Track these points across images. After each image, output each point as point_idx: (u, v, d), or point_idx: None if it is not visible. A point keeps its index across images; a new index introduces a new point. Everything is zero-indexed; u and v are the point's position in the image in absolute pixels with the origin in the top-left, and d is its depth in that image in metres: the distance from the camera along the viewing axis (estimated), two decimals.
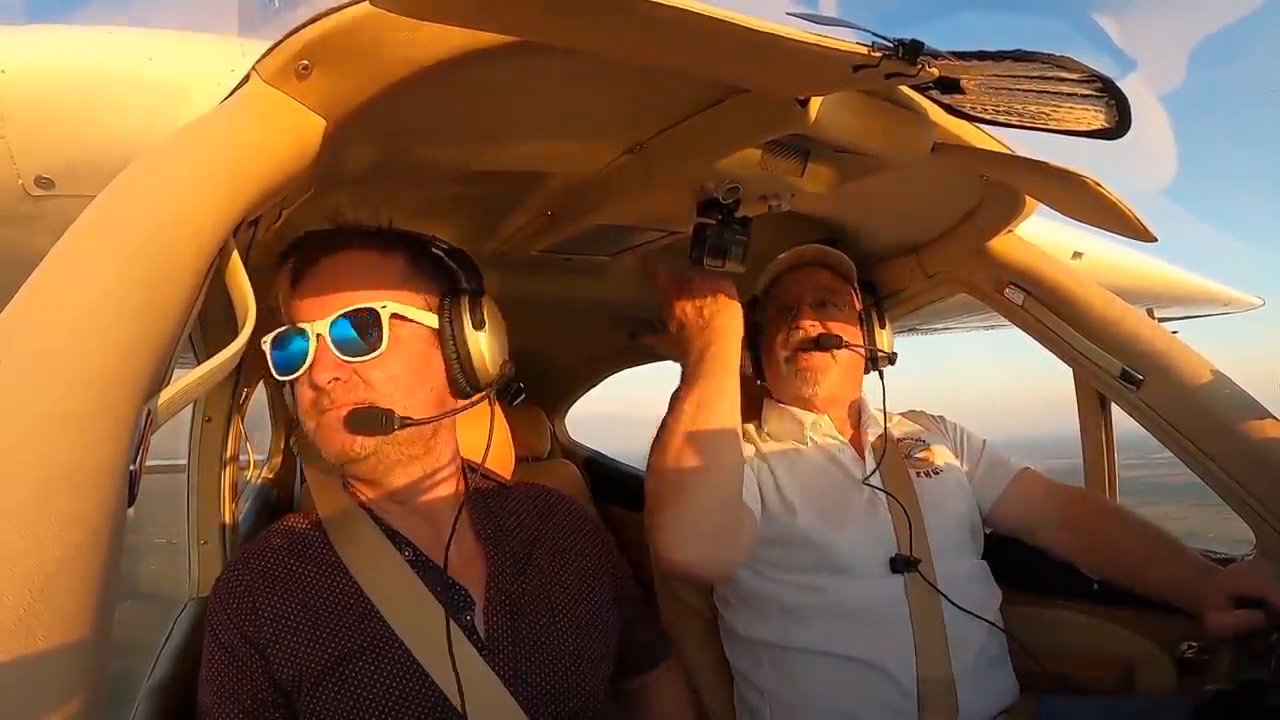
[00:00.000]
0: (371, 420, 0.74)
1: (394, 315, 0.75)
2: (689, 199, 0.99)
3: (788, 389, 1.21)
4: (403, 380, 0.76)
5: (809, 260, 1.22)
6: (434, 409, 0.78)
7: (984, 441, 1.26)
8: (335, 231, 0.80)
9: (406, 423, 0.74)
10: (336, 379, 0.74)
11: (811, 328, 1.18)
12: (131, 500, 0.41)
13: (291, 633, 0.72)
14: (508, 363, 0.84)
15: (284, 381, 0.77)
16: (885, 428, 1.20)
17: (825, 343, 1.17)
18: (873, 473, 1.13)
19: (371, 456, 0.76)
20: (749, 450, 1.15)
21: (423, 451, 0.81)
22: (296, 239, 0.81)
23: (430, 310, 0.79)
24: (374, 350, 0.74)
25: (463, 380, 0.80)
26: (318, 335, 0.74)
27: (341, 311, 0.74)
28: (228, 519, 1.20)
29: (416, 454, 0.80)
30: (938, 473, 1.17)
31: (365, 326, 0.75)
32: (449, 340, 0.79)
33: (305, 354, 0.74)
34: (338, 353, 0.74)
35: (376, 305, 0.75)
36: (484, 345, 0.80)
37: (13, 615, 0.32)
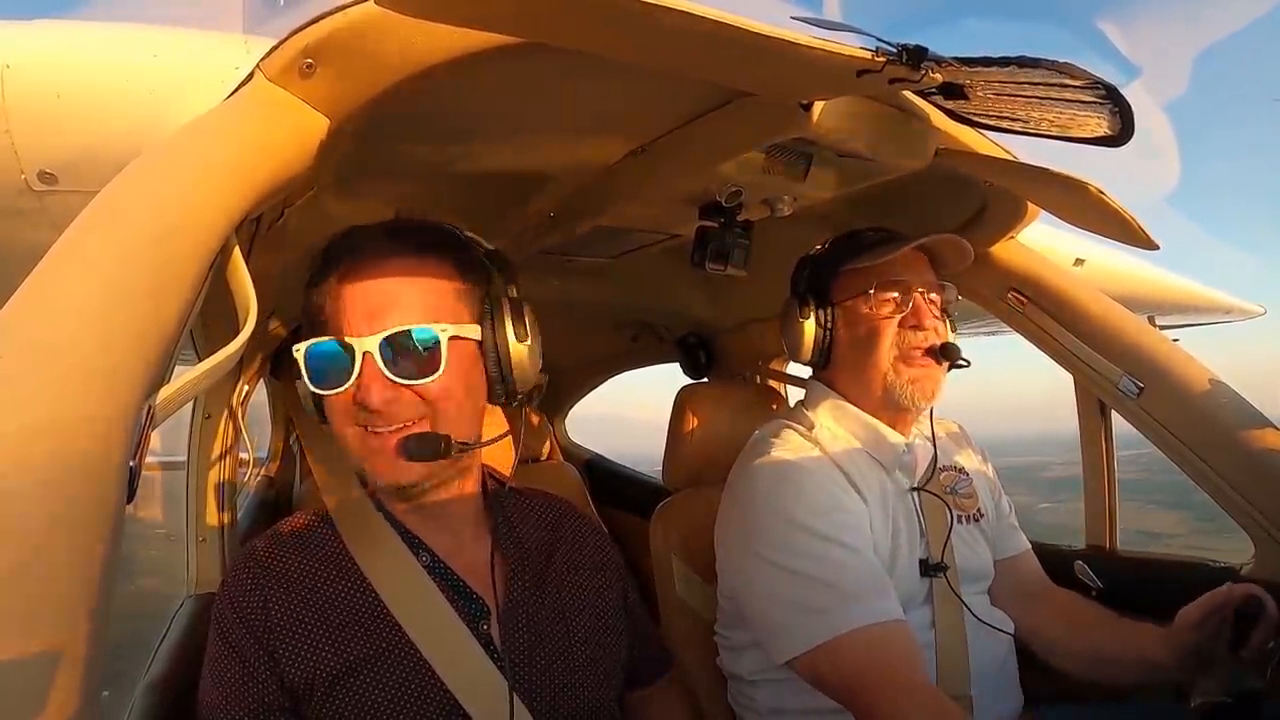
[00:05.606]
0: (426, 446, 0.70)
1: (452, 338, 0.72)
2: (691, 202, 0.99)
3: (873, 395, 1.03)
4: (456, 396, 0.73)
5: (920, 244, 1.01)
6: (479, 419, 0.77)
7: (999, 487, 1.18)
8: (383, 231, 0.75)
9: (462, 448, 0.72)
10: (390, 400, 0.69)
11: (938, 332, 1.01)
12: (131, 496, 0.41)
13: (304, 635, 0.70)
14: (544, 374, 0.81)
15: (321, 395, 0.72)
16: (935, 450, 1.10)
17: (951, 355, 1.00)
18: (922, 485, 1.06)
19: (424, 482, 0.74)
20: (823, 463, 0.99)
21: (467, 466, 0.80)
22: (339, 236, 0.76)
23: (474, 321, 0.76)
24: (432, 374, 0.71)
25: (501, 391, 0.78)
26: (365, 353, 0.69)
27: (394, 330, 0.69)
28: (226, 517, 1.20)
29: (462, 469, 0.79)
30: (979, 518, 1.10)
31: (421, 349, 0.71)
32: (492, 352, 0.76)
33: (349, 370, 0.69)
34: (389, 373, 0.69)
35: (436, 330, 0.71)
36: (526, 357, 0.77)
37: (10, 609, 0.32)
